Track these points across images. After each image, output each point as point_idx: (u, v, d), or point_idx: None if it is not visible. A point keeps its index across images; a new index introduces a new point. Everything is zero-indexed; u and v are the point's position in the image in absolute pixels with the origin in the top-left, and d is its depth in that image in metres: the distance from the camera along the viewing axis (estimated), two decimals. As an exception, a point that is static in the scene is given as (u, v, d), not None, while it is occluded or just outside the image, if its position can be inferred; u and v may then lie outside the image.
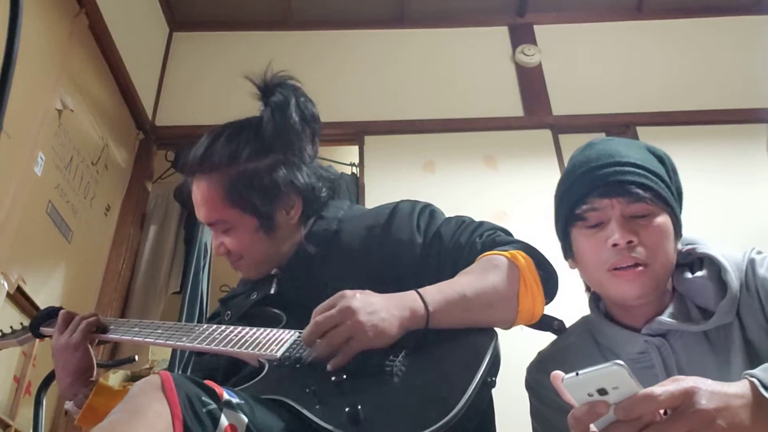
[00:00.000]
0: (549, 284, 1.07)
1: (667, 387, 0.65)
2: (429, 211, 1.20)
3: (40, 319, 1.33)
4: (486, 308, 0.99)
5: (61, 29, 2.28)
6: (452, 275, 1.04)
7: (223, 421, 0.76)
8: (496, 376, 0.94)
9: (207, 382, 0.80)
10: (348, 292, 0.93)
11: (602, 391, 0.64)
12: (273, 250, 1.19)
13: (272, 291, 1.16)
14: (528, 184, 2.82)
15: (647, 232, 1.01)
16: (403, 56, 3.28)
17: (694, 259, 1.07)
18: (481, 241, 1.10)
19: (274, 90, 1.21)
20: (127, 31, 2.73)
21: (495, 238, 1.10)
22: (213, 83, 3.15)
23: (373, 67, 3.22)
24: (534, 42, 3.29)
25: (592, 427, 0.66)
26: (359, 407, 0.80)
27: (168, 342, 1.11)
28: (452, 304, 0.96)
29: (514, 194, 2.79)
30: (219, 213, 1.17)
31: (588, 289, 1.18)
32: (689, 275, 1.05)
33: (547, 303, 1.07)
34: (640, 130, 2.97)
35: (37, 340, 1.39)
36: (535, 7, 3.34)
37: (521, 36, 3.32)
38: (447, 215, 1.22)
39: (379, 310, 0.91)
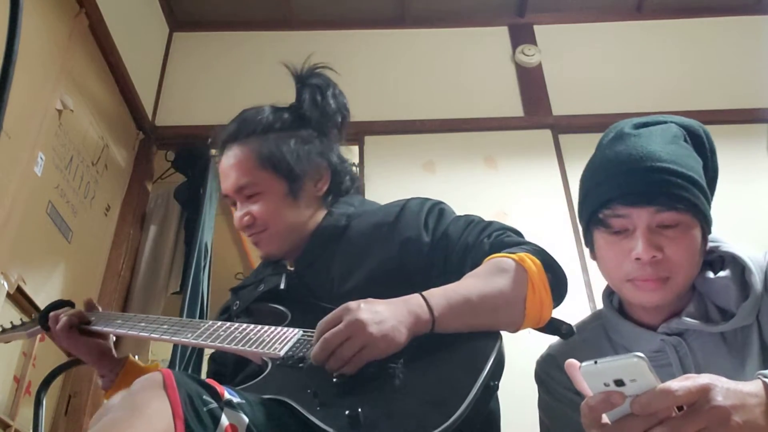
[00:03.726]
0: (558, 288, 1.05)
1: (683, 383, 0.64)
2: (438, 209, 1.19)
3: (49, 310, 1.33)
4: (492, 312, 0.97)
5: (61, 29, 2.28)
6: (459, 275, 1.02)
7: (224, 420, 0.76)
8: (499, 380, 0.93)
9: (208, 380, 0.80)
10: (352, 304, 0.90)
11: (619, 382, 0.62)
12: (296, 223, 1.20)
13: (282, 286, 1.16)
14: (528, 184, 2.82)
15: (674, 247, 0.96)
16: (404, 56, 3.28)
17: (715, 258, 1.05)
18: (489, 241, 1.08)
19: (312, 74, 1.28)
20: (127, 31, 2.73)
21: (504, 238, 1.08)
22: (213, 83, 3.15)
23: (373, 67, 3.22)
24: (534, 42, 3.28)
25: (605, 417, 0.65)
26: (359, 410, 0.79)
27: (173, 338, 1.09)
28: (457, 309, 0.95)
29: (514, 194, 2.78)
30: (250, 175, 1.19)
31: None
32: (711, 275, 1.02)
33: (555, 306, 1.04)
34: (640, 130, 2.97)
35: (40, 335, 1.40)
36: (535, 7, 3.34)
37: (521, 36, 3.31)
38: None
39: (386, 318, 0.89)
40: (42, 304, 2.11)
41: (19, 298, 2.01)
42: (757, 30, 3.29)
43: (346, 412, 0.79)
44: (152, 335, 1.13)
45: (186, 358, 2.47)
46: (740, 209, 2.69)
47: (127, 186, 2.89)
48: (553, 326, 1.05)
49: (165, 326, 1.14)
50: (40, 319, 1.34)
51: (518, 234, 1.12)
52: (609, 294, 1.13)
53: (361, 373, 0.87)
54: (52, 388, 1.96)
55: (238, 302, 1.24)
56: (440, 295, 0.96)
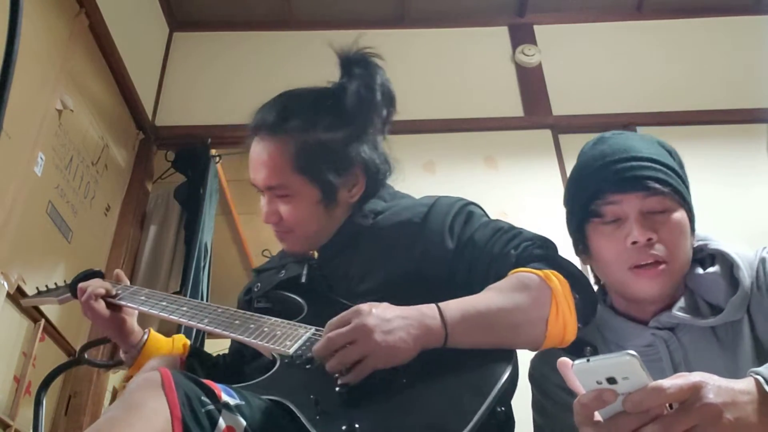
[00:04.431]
0: (584, 309, 1.00)
1: (675, 381, 0.64)
2: (467, 211, 1.13)
3: (80, 279, 1.34)
4: (510, 331, 0.93)
5: (61, 29, 2.28)
6: (482, 286, 0.98)
7: (221, 423, 0.76)
8: (507, 406, 0.91)
9: (206, 381, 0.80)
10: (363, 308, 0.88)
11: (611, 380, 0.62)
12: (324, 229, 1.15)
13: (303, 279, 1.14)
14: (528, 184, 2.83)
15: (666, 229, 1.00)
16: (404, 56, 3.27)
17: (705, 255, 1.07)
18: (516, 253, 1.02)
19: (359, 63, 1.18)
20: (127, 31, 2.73)
21: (532, 251, 1.02)
22: (213, 83, 3.15)
23: (373, 67, 3.22)
24: (534, 42, 3.28)
25: (597, 415, 0.66)
26: (357, 426, 0.78)
27: (190, 322, 1.10)
28: (473, 325, 0.91)
29: (514, 194, 2.79)
30: (283, 178, 1.11)
31: (596, 282, 1.17)
32: (700, 271, 1.04)
33: (580, 327, 0.99)
34: (640, 130, 2.96)
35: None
36: (535, 7, 3.34)
37: (521, 36, 3.31)
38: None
39: (395, 328, 0.86)
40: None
41: (19, 298, 2.01)
42: (757, 30, 3.29)
43: (343, 428, 0.78)
44: (171, 316, 1.14)
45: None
46: (740, 209, 2.69)
47: (127, 186, 2.89)
48: (575, 347, 1.00)
49: (184, 308, 1.15)
50: (70, 287, 1.36)
51: (550, 245, 1.06)
52: (602, 293, 1.14)
53: (365, 384, 0.85)
54: (52, 388, 1.96)
55: (259, 284, 1.22)
56: (456, 309, 0.91)
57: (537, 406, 1.15)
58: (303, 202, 1.12)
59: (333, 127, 1.13)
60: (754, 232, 2.58)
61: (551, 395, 1.10)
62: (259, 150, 1.14)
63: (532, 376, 1.16)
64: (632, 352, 0.61)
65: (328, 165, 1.12)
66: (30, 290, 2.04)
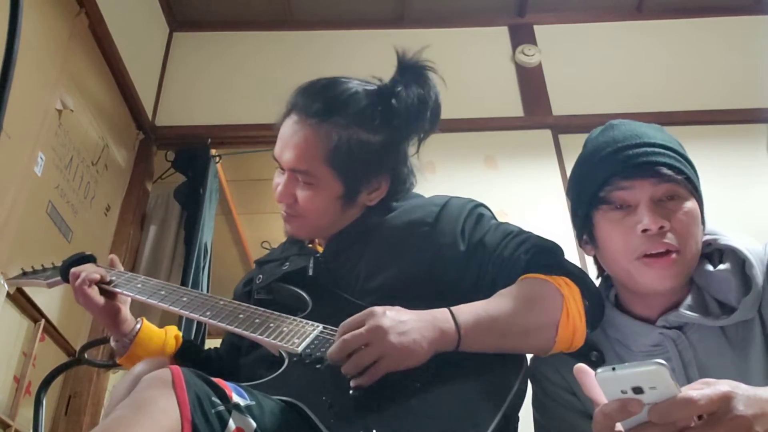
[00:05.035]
0: (593, 316, 1.00)
1: (704, 391, 0.62)
2: (477, 213, 1.13)
3: (71, 263, 1.31)
4: (521, 336, 0.93)
5: (61, 29, 2.28)
6: (491, 289, 0.99)
7: (231, 424, 0.75)
8: (518, 411, 0.91)
9: (217, 380, 0.79)
10: (378, 310, 0.88)
11: (638, 390, 0.60)
12: (334, 223, 1.14)
13: (310, 273, 1.12)
14: (528, 184, 2.83)
15: (678, 217, 0.97)
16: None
17: (713, 250, 1.04)
18: (526, 258, 1.02)
19: (418, 73, 1.17)
20: (127, 31, 2.73)
21: (542, 256, 1.03)
22: (213, 83, 3.15)
23: (372, 67, 3.20)
24: (534, 42, 3.28)
25: (618, 425, 0.64)
26: (373, 431, 0.77)
27: (192, 314, 1.07)
28: (485, 329, 0.91)
29: (514, 194, 2.79)
30: (312, 166, 1.09)
31: (599, 274, 1.14)
32: (710, 268, 1.01)
33: (588, 333, 1.00)
34: (640, 130, 2.96)
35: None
36: (535, 7, 3.34)
37: (521, 36, 3.31)
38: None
39: (409, 330, 0.86)
40: (42, 304, 2.11)
41: (18, 298, 2.01)
42: (757, 30, 3.29)
43: None
44: (171, 307, 1.10)
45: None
46: (740, 209, 2.69)
47: (127, 186, 2.89)
48: (581, 351, 1.00)
49: (185, 299, 1.11)
50: (61, 271, 1.32)
51: (559, 251, 1.06)
52: (605, 288, 1.11)
53: (378, 389, 0.84)
54: (52, 388, 1.96)
55: (261, 276, 1.20)
56: (469, 313, 0.92)
57: (537, 405, 1.14)
58: (323, 193, 1.11)
59: (376, 130, 1.11)
60: (754, 233, 2.58)
61: (552, 395, 1.09)
62: (294, 130, 1.11)
63: (534, 376, 1.15)
64: (662, 361, 0.60)
65: (361, 167, 1.10)
66: (30, 290, 2.05)
